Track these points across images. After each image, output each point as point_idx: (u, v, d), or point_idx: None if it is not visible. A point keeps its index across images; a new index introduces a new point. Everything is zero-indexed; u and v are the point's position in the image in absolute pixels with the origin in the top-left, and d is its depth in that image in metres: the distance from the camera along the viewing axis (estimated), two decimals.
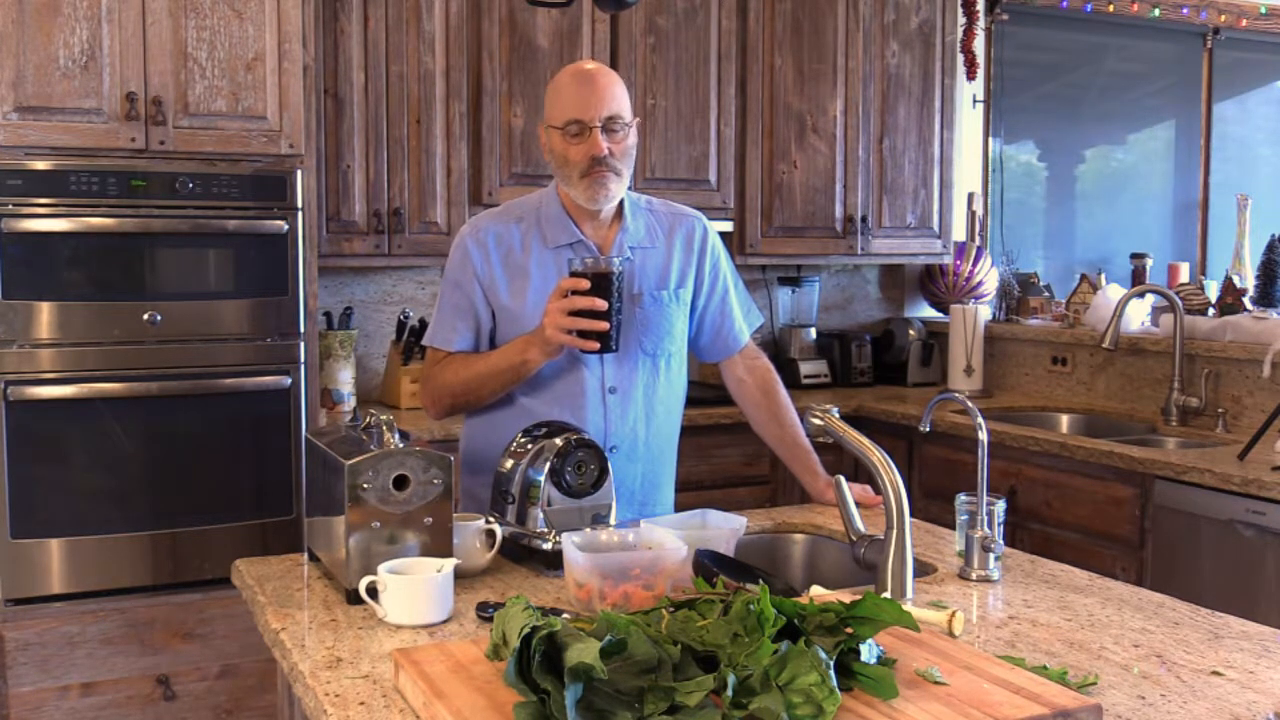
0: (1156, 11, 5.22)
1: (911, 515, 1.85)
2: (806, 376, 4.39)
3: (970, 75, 4.71)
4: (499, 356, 2.22)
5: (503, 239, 2.28)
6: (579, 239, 2.25)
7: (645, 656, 1.22)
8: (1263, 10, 5.52)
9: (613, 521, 2.00)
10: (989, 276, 4.62)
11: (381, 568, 1.69)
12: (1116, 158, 5.58)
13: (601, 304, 2.06)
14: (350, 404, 3.69)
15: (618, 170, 2.21)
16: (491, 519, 1.93)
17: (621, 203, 2.31)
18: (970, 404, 2.05)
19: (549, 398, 2.25)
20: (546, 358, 2.15)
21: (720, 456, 3.74)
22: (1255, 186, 5.13)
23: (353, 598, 1.75)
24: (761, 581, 1.52)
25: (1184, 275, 4.31)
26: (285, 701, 1.89)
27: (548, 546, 1.92)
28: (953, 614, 1.61)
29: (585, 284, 2.05)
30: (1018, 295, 4.54)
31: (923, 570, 1.98)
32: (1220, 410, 3.57)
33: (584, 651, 1.18)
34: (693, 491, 3.41)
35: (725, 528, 1.93)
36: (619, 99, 2.20)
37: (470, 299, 2.27)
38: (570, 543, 1.72)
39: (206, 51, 3.05)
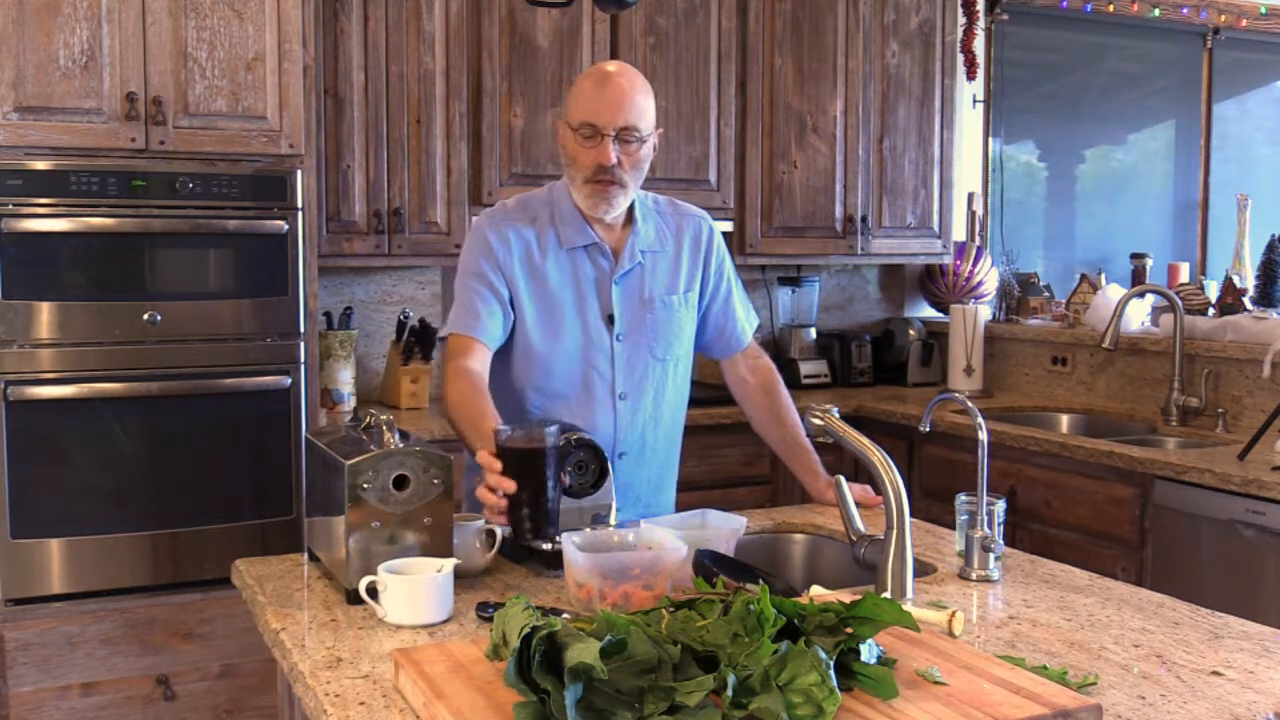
0: (1156, 11, 5.22)
1: (911, 515, 1.85)
2: (806, 376, 4.39)
3: (970, 75, 4.71)
4: (474, 437, 2.02)
5: (521, 236, 2.23)
6: (594, 241, 2.23)
7: (645, 656, 1.22)
8: (1263, 10, 5.52)
9: (613, 521, 2.00)
10: (989, 276, 4.62)
11: (381, 568, 1.69)
12: (1116, 158, 5.58)
13: (509, 485, 1.79)
14: (350, 404, 3.69)
15: (624, 182, 2.17)
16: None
17: (632, 204, 2.28)
18: (970, 404, 2.05)
19: (559, 402, 2.23)
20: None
21: (720, 456, 3.74)
22: (1255, 186, 5.12)
23: (353, 598, 1.75)
24: (761, 581, 1.52)
25: (1184, 275, 4.31)
26: (285, 701, 1.89)
27: (548, 546, 1.92)
28: (953, 614, 1.61)
29: (497, 465, 1.81)
30: (1018, 295, 4.54)
31: (923, 570, 1.98)
32: (1220, 410, 3.57)
33: (584, 651, 1.18)
34: (693, 491, 3.40)
35: (725, 528, 1.93)
36: (639, 109, 2.14)
37: (493, 286, 2.20)
38: (570, 543, 1.72)
39: (206, 51, 3.05)
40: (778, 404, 2.45)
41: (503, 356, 2.25)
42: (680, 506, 2.29)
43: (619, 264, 2.25)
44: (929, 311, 4.86)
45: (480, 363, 2.18)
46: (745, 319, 2.46)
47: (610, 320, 2.24)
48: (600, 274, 2.25)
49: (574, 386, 2.23)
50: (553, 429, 1.84)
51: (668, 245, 2.32)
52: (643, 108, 2.15)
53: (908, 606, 1.44)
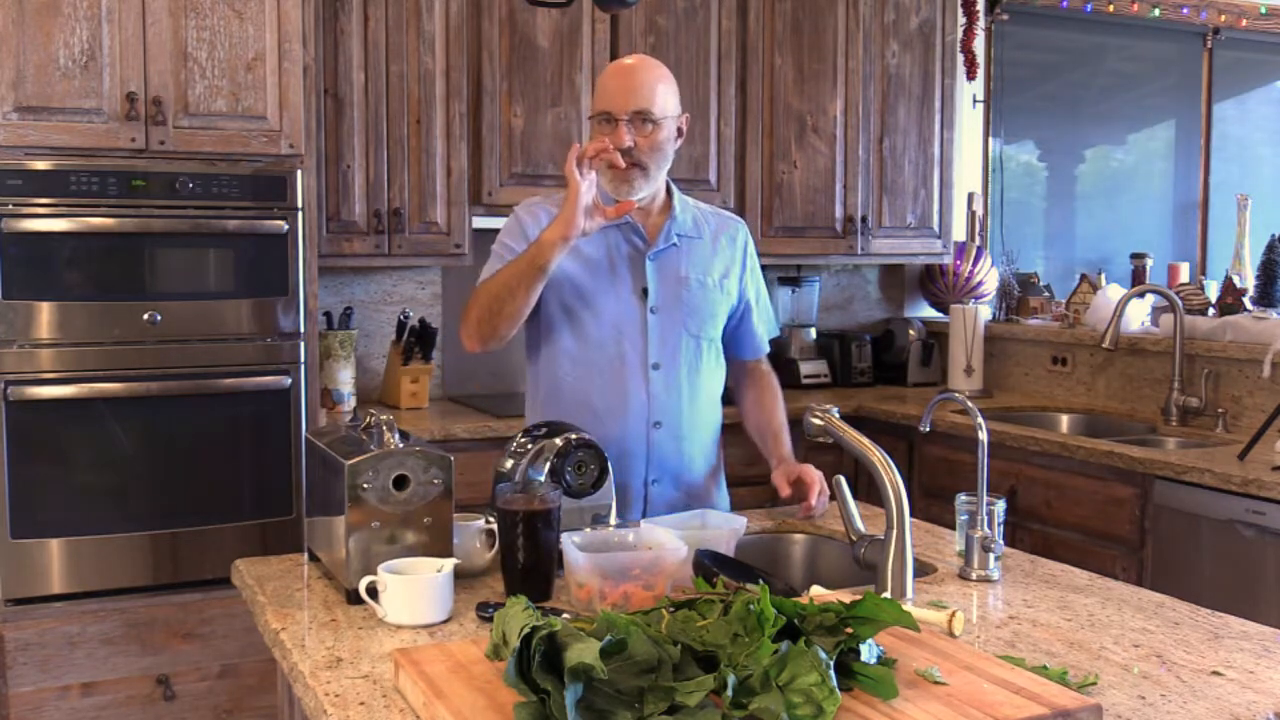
0: (1156, 11, 5.22)
1: (911, 515, 1.85)
2: (806, 376, 4.39)
3: (970, 75, 4.71)
4: (523, 258, 2.18)
5: (554, 215, 2.27)
6: (627, 220, 2.28)
7: (645, 656, 1.22)
8: (1263, 10, 5.52)
9: (613, 521, 2.00)
10: (989, 276, 4.62)
11: (381, 568, 1.69)
12: (1116, 158, 5.58)
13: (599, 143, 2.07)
14: (350, 404, 3.69)
15: (643, 164, 2.23)
16: (491, 519, 1.92)
17: (670, 195, 2.36)
18: (970, 404, 2.05)
19: (593, 373, 2.28)
20: (562, 234, 2.09)
21: None
22: (1255, 186, 5.12)
23: (353, 598, 1.75)
24: (761, 581, 1.52)
25: (1184, 275, 4.31)
26: (285, 701, 1.89)
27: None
28: (953, 614, 1.61)
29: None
30: (1018, 295, 4.54)
31: (923, 570, 1.98)
32: (1220, 410, 3.57)
33: (584, 651, 1.18)
34: None
35: (725, 528, 1.93)
36: (651, 94, 2.22)
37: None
38: (570, 543, 1.72)
39: (206, 51, 3.05)
40: (761, 394, 2.51)
41: (537, 327, 2.32)
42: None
43: (654, 243, 2.31)
44: (929, 311, 4.85)
45: None
46: (765, 328, 2.52)
47: (644, 293, 2.30)
48: (634, 250, 2.31)
49: (606, 354, 2.28)
50: (555, 492, 1.83)
51: (704, 235, 2.39)
52: (654, 92, 2.23)
53: (908, 606, 1.44)
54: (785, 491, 2.30)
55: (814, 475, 2.31)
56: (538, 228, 2.27)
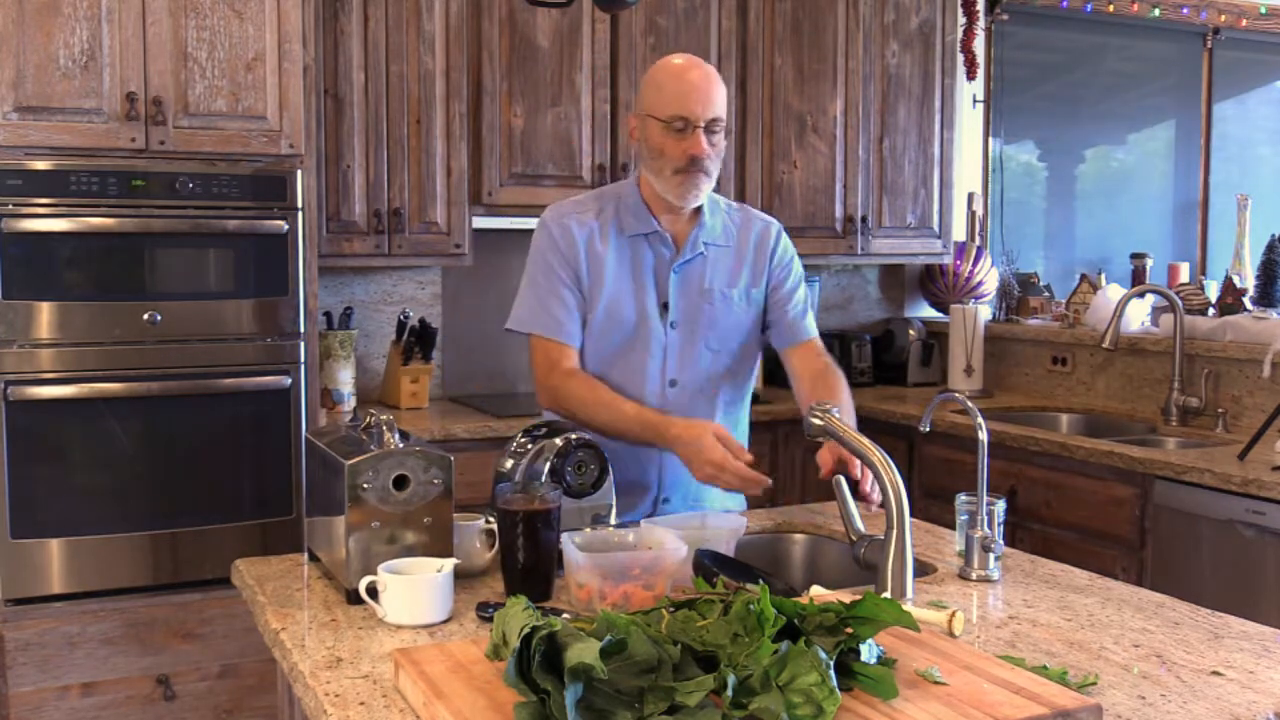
0: (1156, 11, 5.22)
1: (911, 515, 1.85)
2: None
3: (970, 75, 4.71)
4: (633, 422, 2.16)
5: (584, 224, 2.27)
6: (655, 229, 2.26)
7: (645, 656, 1.22)
8: (1263, 10, 5.52)
9: (613, 521, 2.00)
10: (989, 276, 4.62)
11: (381, 568, 1.69)
12: (1116, 158, 5.58)
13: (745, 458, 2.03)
14: (350, 404, 3.69)
15: (709, 171, 2.22)
16: (491, 519, 1.92)
17: None
18: (970, 404, 2.05)
19: (610, 387, 2.24)
20: (701, 470, 2.08)
21: None
22: (1255, 186, 5.12)
23: (353, 598, 1.75)
24: (761, 581, 1.52)
25: (1184, 275, 4.31)
26: (285, 701, 1.89)
27: None
28: (953, 614, 1.61)
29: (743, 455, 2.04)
30: (1018, 295, 4.54)
31: (923, 570, 1.98)
32: (1220, 410, 3.57)
33: (584, 651, 1.18)
34: None
35: (725, 528, 1.93)
36: (722, 101, 2.22)
37: (563, 280, 2.26)
38: (570, 543, 1.72)
39: (206, 51, 3.05)
40: (818, 380, 2.35)
41: None
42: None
43: (680, 253, 2.28)
44: (929, 311, 4.86)
45: (577, 363, 2.27)
46: (807, 314, 2.42)
47: (665, 308, 2.27)
48: (660, 261, 2.28)
49: (626, 370, 2.26)
50: (555, 492, 1.83)
51: (733, 241, 2.34)
52: (724, 99, 2.23)
53: (908, 606, 1.44)
54: (828, 468, 2.13)
55: None
56: (568, 242, 2.25)
